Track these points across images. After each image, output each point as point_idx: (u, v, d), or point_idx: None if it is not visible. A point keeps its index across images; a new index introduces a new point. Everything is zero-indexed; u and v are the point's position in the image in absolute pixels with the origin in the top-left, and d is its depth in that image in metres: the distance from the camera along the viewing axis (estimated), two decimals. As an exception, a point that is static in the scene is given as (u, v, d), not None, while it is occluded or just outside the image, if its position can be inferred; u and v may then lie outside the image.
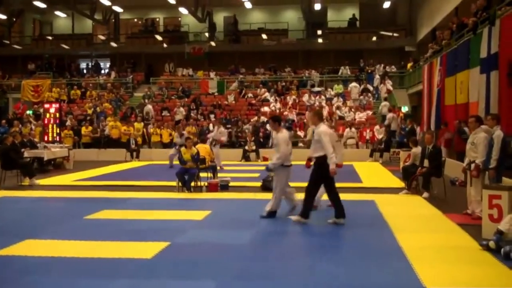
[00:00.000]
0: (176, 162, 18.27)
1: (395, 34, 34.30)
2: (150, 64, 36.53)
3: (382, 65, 31.04)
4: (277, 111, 26.30)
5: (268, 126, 24.07)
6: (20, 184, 14.07)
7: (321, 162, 8.52)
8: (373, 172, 17.12)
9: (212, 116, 26.28)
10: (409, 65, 29.66)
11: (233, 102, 28.78)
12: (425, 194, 11.38)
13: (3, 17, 37.04)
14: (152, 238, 7.64)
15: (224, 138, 19.19)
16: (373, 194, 11.85)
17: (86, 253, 6.88)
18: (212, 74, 32.63)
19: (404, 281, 5.70)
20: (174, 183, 12.49)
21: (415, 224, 8.81)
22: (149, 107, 27.24)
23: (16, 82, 33.00)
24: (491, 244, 6.79)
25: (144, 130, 24.18)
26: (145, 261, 6.48)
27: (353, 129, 23.10)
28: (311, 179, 8.73)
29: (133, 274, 6.00)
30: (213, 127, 22.15)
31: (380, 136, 22.08)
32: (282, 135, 9.05)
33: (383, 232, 8.01)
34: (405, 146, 18.41)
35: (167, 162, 18.54)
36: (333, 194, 8.80)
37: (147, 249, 6.98)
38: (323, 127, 8.78)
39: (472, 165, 8.94)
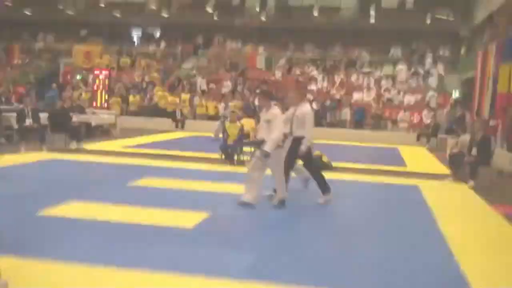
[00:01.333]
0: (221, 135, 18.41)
1: (450, 18, 33.37)
2: (200, 35, 36.54)
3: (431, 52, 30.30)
4: (324, 89, 26.08)
5: (314, 105, 23.97)
6: (67, 147, 14.39)
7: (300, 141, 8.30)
8: (418, 157, 16.85)
9: (258, 91, 26.21)
10: (463, 49, 28.88)
11: (281, 77, 28.64)
12: (471, 183, 11.13)
13: (58, -18, 37.67)
14: (193, 208, 7.70)
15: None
16: (417, 179, 11.65)
17: (128, 218, 6.98)
18: (260, 49, 32.46)
19: (444, 268, 5.59)
20: (217, 156, 12.55)
21: (459, 212, 8.64)
22: (199, 79, 27.30)
23: (68, 47, 33.54)
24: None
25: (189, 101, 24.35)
26: (186, 231, 6.54)
27: (406, 112, 22.77)
28: (289, 156, 8.33)
29: (173, 241, 6.06)
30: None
31: (428, 121, 21.68)
32: (276, 112, 8.04)
33: (426, 218, 7.87)
34: (453, 132, 18.03)
35: (212, 134, 18.54)
36: (314, 170, 8.67)
37: (188, 219, 7.04)
38: (307, 107, 8.49)
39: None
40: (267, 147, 7.72)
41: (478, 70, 21.12)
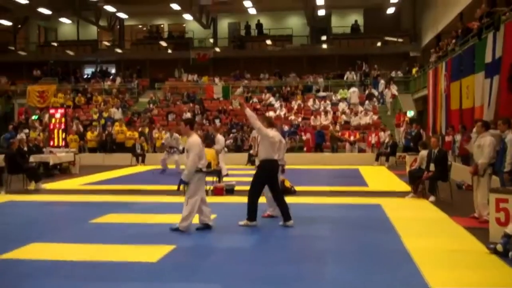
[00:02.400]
0: (172, 166, 18.29)
1: (399, 40, 34.28)
2: (155, 70, 36.61)
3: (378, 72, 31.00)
4: (283, 115, 26.31)
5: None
6: (26, 188, 14.10)
7: (265, 164, 8.69)
8: (379, 176, 17.08)
9: (217, 121, 26.30)
10: (414, 70, 29.65)
11: (238, 107, 28.77)
12: (432, 198, 11.33)
13: (8, 23, 37.30)
14: (157, 242, 7.62)
15: (218, 147, 16.59)
16: (379, 198, 11.82)
17: (91, 256, 6.86)
18: (217, 80, 32.65)
19: (412, 284, 5.65)
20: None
21: (422, 227, 8.75)
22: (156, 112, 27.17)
23: (21, 88, 33.10)
24: (499, 247, 6.73)
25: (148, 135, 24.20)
26: (151, 265, 6.46)
27: (364, 133, 23.13)
28: (255, 181, 8.77)
29: (139, 277, 5.97)
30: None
31: (385, 141, 22.05)
32: (193, 140, 8.30)
33: (390, 236, 7.96)
34: (411, 150, 18.38)
35: (174, 166, 18.41)
36: (279, 196, 8.88)
37: (153, 253, 6.95)
38: (271, 132, 8.89)
39: (472, 167, 9.03)
40: (184, 176, 8.23)
41: (430, 89, 21.67)
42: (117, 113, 27.22)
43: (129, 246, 7.43)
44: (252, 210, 8.71)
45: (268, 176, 8.73)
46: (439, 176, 11.47)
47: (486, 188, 8.78)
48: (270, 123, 9.17)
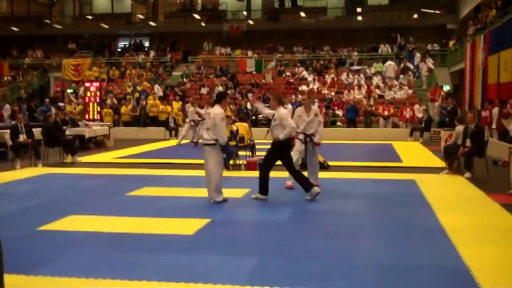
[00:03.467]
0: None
1: (436, 12, 33.54)
2: (189, 42, 36.63)
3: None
4: (316, 89, 26.14)
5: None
6: (62, 161, 14.36)
7: (284, 143, 8.75)
8: (413, 152, 16.89)
9: (250, 94, 26.27)
10: (451, 43, 29.01)
11: (271, 81, 28.69)
12: (467, 174, 11.18)
13: (44, -3, 37.74)
14: (193, 215, 7.73)
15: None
16: (414, 174, 11.69)
17: (129, 229, 7.00)
18: (250, 53, 32.51)
19: (447, 261, 5.61)
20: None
21: (457, 204, 8.67)
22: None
23: (57, 61, 33.50)
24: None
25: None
26: (188, 237, 6.56)
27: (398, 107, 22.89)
28: (269, 157, 8.93)
29: (177, 249, 6.08)
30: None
31: (420, 115, 21.75)
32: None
33: (425, 212, 7.91)
34: (446, 125, 18.10)
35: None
36: (295, 171, 9.01)
37: (189, 226, 7.06)
38: (283, 109, 8.99)
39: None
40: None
41: (467, 62, 21.23)
42: (159, 90, 27.09)
43: (165, 219, 7.55)
44: (264, 183, 8.87)
45: (285, 153, 8.89)
46: (475, 152, 11.29)
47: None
48: (280, 101, 9.20)
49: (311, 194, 8.74)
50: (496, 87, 16.14)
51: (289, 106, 14.95)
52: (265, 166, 8.96)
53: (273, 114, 8.93)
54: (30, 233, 6.81)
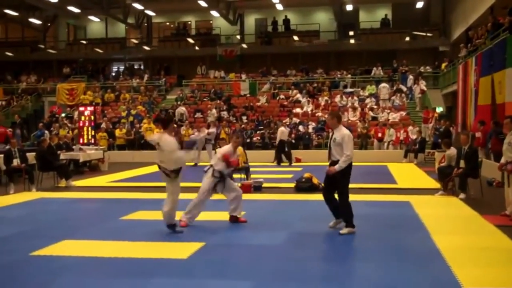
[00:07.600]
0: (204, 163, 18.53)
1: (428, 34, 33.87)
2: (183, 66, 36.80)
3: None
4: (309, 112, 26.22)
5: (300, 127, 24.07)
6: (56, 185, 14.32)
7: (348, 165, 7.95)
8: (408, 173, 16.92)
9: (244, 117, 26.34)
10: (443, 65, 29.26)
11: (265, 103, 28.80)
12: (462, 195, 11.20)
13: (38, 22, 37.89)
14: (187, 239, 7.70)
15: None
16: (408, 195, 11.70)
17: (123, 253, 6.95)
18: (243, 76, 32.67)
19: (443, 283, 5.60)
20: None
21: (452, 225, 8.67)
22: (182, 109, 27.38)
23: (51, 86, 33.56)
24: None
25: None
26: (182, 261, 6.52)
27: (392, 129, 22.90)
28: (342, 183, 8.00)
29: (170, 274, 6.03)
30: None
31: (414, 137, 21.83)
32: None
33: (420, 234, 7.90)
34: (440, 146, 18.15)
35: (201, 163, 18.52)
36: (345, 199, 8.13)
37: (183, 249, 7.03)
38: (346, 130, 8.17)
39: (509, 165, 8.79)
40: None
41: (460, 84, 21.39)
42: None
43: (159, 243, 7.53)
44: (351, 211, 8.03)
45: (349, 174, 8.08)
46: (469, 173, 11.32)
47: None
48: (339, 119, 8.42)
49: (348, 231, 8.01)
50: (490, 108, 16.24)
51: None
52: (346, 195, 8.02)
53: (332, 134, 8.18)
54: (23, 258, 6.75)
